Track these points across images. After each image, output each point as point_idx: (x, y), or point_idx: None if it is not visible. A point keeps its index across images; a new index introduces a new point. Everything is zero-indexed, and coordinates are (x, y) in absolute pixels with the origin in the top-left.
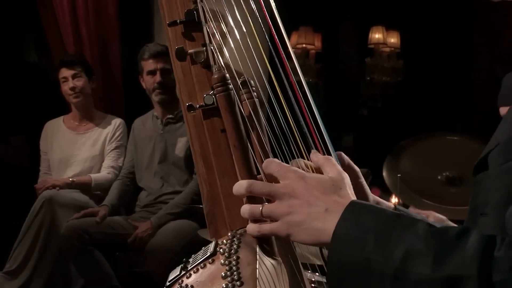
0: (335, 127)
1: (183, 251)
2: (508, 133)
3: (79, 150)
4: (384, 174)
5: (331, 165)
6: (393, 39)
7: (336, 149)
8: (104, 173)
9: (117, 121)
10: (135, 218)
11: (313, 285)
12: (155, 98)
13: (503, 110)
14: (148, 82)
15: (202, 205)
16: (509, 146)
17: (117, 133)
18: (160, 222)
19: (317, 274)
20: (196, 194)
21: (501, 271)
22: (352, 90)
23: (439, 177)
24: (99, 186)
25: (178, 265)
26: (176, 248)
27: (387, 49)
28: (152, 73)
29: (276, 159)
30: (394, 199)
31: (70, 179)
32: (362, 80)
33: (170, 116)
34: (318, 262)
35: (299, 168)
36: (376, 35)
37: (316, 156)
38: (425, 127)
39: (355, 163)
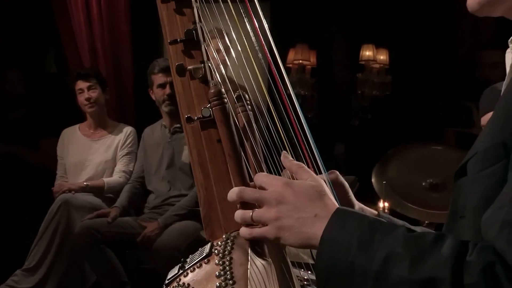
0: (328, 136)
1: (188, 250)
2: (485, 143)
3: (93, 155)
4: (373, 180)
5: (306, 172)
6: (382, 56)
7: (328, 157)
8: (116, 177)
9: (128, 129)
10: (144, 219)
11: (305, 282)
12: (164, 108)
13: (481, 120)
14: (158, 94)
15: None
16: (486, 154)
17: (128, 140)
18: (167, 222)
19: (309, 272)
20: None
21: (472, 274)
22: (344, 102)
23: (423, 184)
24: (111, 189)
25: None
26: (181, 247)
27: (377, 66)
28: (162, 86)
29: (264, 173)
30: (382, 204)
31: (85, 183)
32: (354, 93)
33: (177, 125)
34: (310, 260)
35: (290, 178)
36: (367, 53)
37: (289, 162)
38: (411, 137)
39: (346, 170)
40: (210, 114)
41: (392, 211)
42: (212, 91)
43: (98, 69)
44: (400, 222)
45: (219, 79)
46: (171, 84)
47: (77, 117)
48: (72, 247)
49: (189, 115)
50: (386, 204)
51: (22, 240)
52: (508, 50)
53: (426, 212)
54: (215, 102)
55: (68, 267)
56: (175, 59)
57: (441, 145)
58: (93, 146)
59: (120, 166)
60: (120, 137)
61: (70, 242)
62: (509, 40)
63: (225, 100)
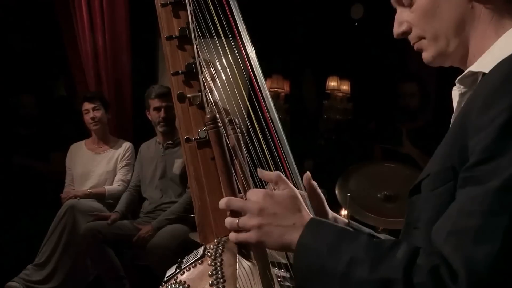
0: (298, 153)
1: (177, 249)
2: (437, 166)
3: (96, 167)
4: (336, 192)
5: (285, 183)
6: (345, 86)
7: (299, 170)
8: (116, 185)
9: (127, 145)
10: (139, 222)
11: (278, 279)
12: (159, 129)
13: None
14: (154, 116)
15: (193, 214)
16: (437, 176)
17: (127, 154)
18: (159, 225)
19: (282, 270)
20: (188, 204)
21: (420, 275)
22: (313, 125)
23: (378, 195)
24: (111, 196)
25: (172, 260)
26: (171, 247)
27: (340, 94)
28: (157, 109)
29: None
30: (343, 212)
31: (89, 191)
32: (321, 117)
33: (170, 142)
34: (283, 260)
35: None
36: (332, 83)
37: (267, 175)
38: (369, 156)
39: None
40: (206, 135)
41: (352, 219)
42: (208, 116)
43: (102, 93)
44: (367, 230)
45: (212, 101)
46: (166, 108)
47: (83, 133)
48: (77, 246)
49: (187, 136)
50: (347, 212)
51: (33, 239)
52: (454, 88)
53: (381, 219)
54: (210, 125)
55: (73, 262)
56: (177, 88)
57: (393, 163)
58: (97, 159)
59: (119, 176)
60: (120, 151)
61: (75, 241)
62: (456, 80)
63: (219, 124)
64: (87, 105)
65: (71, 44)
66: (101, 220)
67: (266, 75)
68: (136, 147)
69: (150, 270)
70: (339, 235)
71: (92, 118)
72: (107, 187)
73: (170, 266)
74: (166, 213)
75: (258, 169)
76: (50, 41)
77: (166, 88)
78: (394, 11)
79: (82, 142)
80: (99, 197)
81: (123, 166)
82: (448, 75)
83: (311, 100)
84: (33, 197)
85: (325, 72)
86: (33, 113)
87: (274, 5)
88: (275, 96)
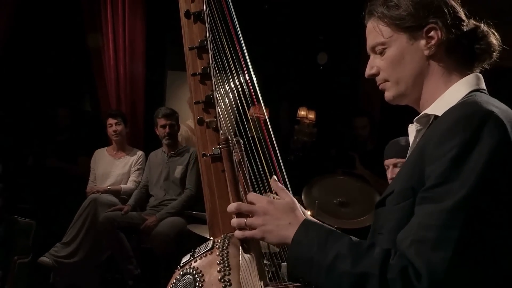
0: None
1: (175, 237)
2: (400, 186)
3: (115, 169)
4: (303, 197)
5: (285, 193)
6: (311, 115)
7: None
8: (129, 184)
9: (139, 153)
10: (146, 214)
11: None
12: (165, 142)
13: (386, 162)
14: (160, 131)
15: (189, 209)
16: (399, 194)
17: (139, 160)
18: (162, 217)
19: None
20: (185, 201)
21: (393, 272)
22: (285, 144)
23: (335, 201)
24: (125, 192)
25: (171, 245)
26: (171, 234)
27: (307, 121)
28: (163, 127)
29: (255, 193)
30: (308, 213)
31: (108, 187)
32: (292, 138)
33: (173, 152)
34: (264, 250)
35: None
36: (302, 112)
37: (275, 184)
38: (328, 170)
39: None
40: (219, 152)
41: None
42: (221, 137)
43: (122, 111)
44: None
45: (226, 129)
46: (170, 126)
47: (105, 141)
48: (96, 230)
49: (204, 152)
50: (310, 213)
51: (62, 223)
52: (411, 125)
53: (336, 220)
54: (223, 145)
55: (93, 243)
56: (197, 114)
57: (347, 176)
58: (115, 162)
59: (132, 177)
60: (134, 157)
61: (95, 227)
62: (414, 120)
63: (230, 144)
64: (111, 120)
65: (98, 71)
66: (116, 211)
67: (252, 103)
68: (146, 155)
69: (153, 252)
70: (327, 234)
71: (114, 131)
72: (122, 186)
73: (170, 250)
74: (167, 207)
75: (273, 177)
76: (82, 68)
77: (170, 110)
78: (361, 59)
79: (104, 148)
80: (116, 193)
81: (136, 170)
82: (390, 110)
83: (285, 124)
84: (63, 191)
85: (296, 103)
86: (66, 123)
87: (257, 52)
88: (257, 120)
